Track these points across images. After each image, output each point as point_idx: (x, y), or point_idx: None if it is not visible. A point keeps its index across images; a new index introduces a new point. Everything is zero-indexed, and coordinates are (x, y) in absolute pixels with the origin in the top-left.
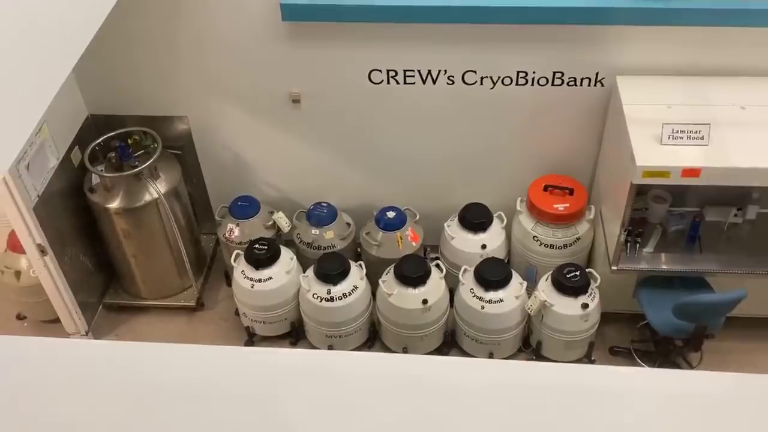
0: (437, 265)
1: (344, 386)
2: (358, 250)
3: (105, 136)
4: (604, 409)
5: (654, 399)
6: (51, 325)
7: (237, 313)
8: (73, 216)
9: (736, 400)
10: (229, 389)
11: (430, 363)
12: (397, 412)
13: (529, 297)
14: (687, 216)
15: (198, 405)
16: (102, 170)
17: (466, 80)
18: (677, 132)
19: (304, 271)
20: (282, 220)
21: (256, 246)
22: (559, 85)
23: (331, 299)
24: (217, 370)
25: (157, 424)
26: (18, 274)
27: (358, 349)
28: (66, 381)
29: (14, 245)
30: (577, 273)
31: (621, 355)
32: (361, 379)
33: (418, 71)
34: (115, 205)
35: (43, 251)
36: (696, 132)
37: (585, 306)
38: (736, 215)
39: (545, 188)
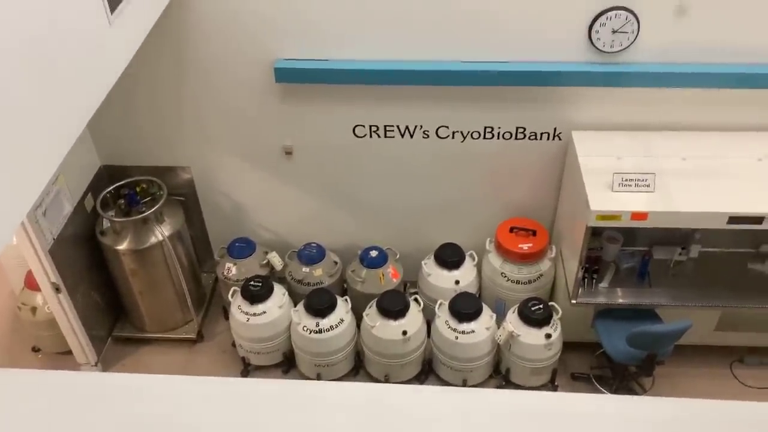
0: (416, 300)
1: (333, 414)
2: (344, 286)
3: (115, 185)
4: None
5: (611, 423)
6: (64, 356)
7: (234, 344)
8: (85, 257)
9: (682, 424)
10: (225, 418)
11: (408, 393)
12: None
13: (498, 328)
14: (637, 255)
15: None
16: (112, 215)
17: (439, 134)
18: (626, 180)
19: (295, 306)
20: (275, 259)
21: (252, 283)
22: (522, 138)
23: (320, 331)
24: (215, 400)
25: None
26: (34, 309)
27: (345, 376)
28: (77, 412)
29: (31, 283)
30: (541, 306)
31: (581, 380)
32: (345, 407)
33: (397, 126)
34: (123, 246)
35: (57, 289)
36: (643, 180)
37: (548, 336)
38: (680, 254)
39: (511, 230)
